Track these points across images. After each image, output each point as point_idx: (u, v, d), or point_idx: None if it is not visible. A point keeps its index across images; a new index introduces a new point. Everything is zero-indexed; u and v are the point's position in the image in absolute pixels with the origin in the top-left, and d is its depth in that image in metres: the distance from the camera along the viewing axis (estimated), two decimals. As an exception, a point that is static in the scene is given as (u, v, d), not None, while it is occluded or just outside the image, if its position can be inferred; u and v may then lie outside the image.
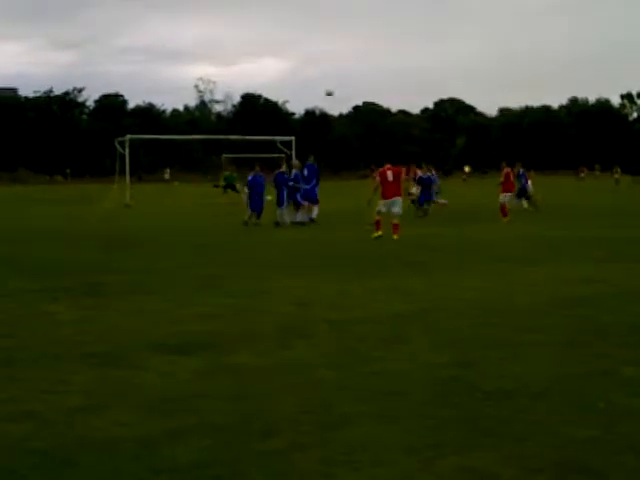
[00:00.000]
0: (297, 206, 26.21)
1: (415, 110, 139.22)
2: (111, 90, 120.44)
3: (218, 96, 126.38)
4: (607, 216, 28.95)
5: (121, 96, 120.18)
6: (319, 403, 6.12)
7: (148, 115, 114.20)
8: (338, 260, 15.91)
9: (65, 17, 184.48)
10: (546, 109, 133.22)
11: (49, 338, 8.64)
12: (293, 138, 40.73)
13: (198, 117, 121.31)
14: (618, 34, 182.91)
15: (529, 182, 32.88)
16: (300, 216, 26.06)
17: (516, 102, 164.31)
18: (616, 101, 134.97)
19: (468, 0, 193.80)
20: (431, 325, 9.12)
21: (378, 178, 20.96)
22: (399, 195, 20.88)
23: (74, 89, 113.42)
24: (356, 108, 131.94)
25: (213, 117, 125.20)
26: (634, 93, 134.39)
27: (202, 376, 6.97)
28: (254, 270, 14.33)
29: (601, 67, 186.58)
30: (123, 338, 8.56)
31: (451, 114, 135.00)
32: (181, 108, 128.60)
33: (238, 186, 42.26)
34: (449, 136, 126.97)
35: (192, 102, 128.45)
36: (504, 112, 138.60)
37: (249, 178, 26.57)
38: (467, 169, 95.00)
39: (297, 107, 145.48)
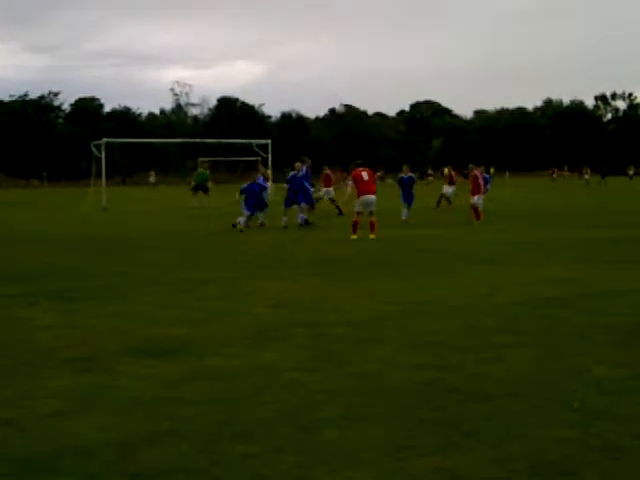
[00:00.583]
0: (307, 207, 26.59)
1: (391, 112, 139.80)
2: (87, 94, 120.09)
3: (194, 99, 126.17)
4: (580, 216, 29.29)
5: (97, 100, 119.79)
6: (295, 406, 6.13)
7: (124, 119, 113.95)
8: (315, 262, 15.94)
9: (40, 21, 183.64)
10: (521, 111, 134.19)
11: (25, 343, 8.58)
12: (269, 141, 40.79)
13: (174, 121, 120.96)
14: (592, 36, 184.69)
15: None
16: (301, 217, 26.08)
17: (491, 104, 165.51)
18: (590, 103, 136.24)
19: (444, 2, 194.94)
20: (409, 327, 9.15)
21: (351, 181, 21.73)
22: (373, 193, 21.24)
23: (49, 93, 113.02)
24: (332, 111, 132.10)
25: (189, 120, 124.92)
26: (608, 95, 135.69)
27: (179, 380, 6.95)
28: (231, 273, 14.32)
29: (575, 69, 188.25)
30: (100, 343, 8.52)
31: (427, 116, 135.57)
32: (157, 112, 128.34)
33: (209, 184, 41.91)
34: (425, 138, 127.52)
35: (168, 106, 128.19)
36: (479, 114, 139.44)
37: (243, 187, 26.30)
38: (447, 171, 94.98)
39: (273, 110, 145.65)
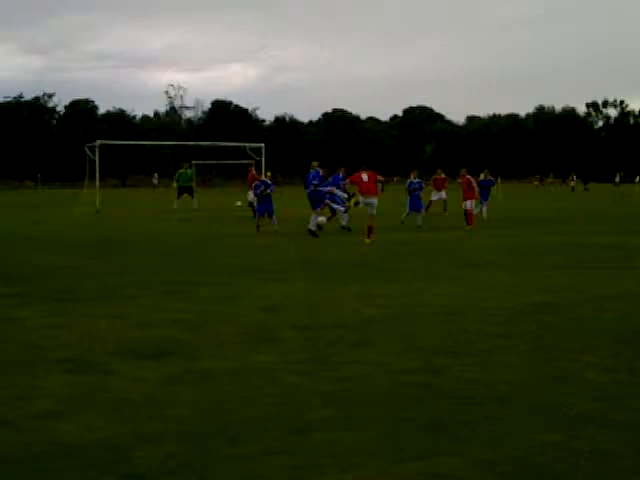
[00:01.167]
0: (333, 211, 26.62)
1: (384, 117, 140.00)
2: (81, 96, 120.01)
3: (188, 102, 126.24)
4: (569, 222, 29.40)
5: (91, 102, 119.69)
6: (287, 408, 6.16)
7: (118, 121, 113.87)
8: (309, 265, 15.96)
9: (35, 23, 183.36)
10: (513, 117, 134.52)
11: (17, 344, 8.60)
12: (263, 145, 40.76)
13: (168, 123, 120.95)
14: (584, 44, 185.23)
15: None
16: (314, 221, 24.25)
17: (484, 110, 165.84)
18: (582, 110, 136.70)
19: (437, 9, 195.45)
20: (400, 331, 9.18)
21: (349, 181, 22.27)
22: (375, 194, 21.44)
23: (44, 94, 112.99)
24: (326, 115, 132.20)
25: (183, 123, 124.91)
26: (599, 102, 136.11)
27: (171, 381, 6.98)
28: (224, 276, 14.33)
29: (568, 76, 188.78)
30: (92, 344, 8.53)
31: (420, 122, 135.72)
32: (151, 114, 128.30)
33: (193, 184, 41.40)
34: (418, 143, 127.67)
35: (162, 108, 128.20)
36: (472, 120, 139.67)
37: (255, 189, 26.33)
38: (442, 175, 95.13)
39: (267, 114, 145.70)
